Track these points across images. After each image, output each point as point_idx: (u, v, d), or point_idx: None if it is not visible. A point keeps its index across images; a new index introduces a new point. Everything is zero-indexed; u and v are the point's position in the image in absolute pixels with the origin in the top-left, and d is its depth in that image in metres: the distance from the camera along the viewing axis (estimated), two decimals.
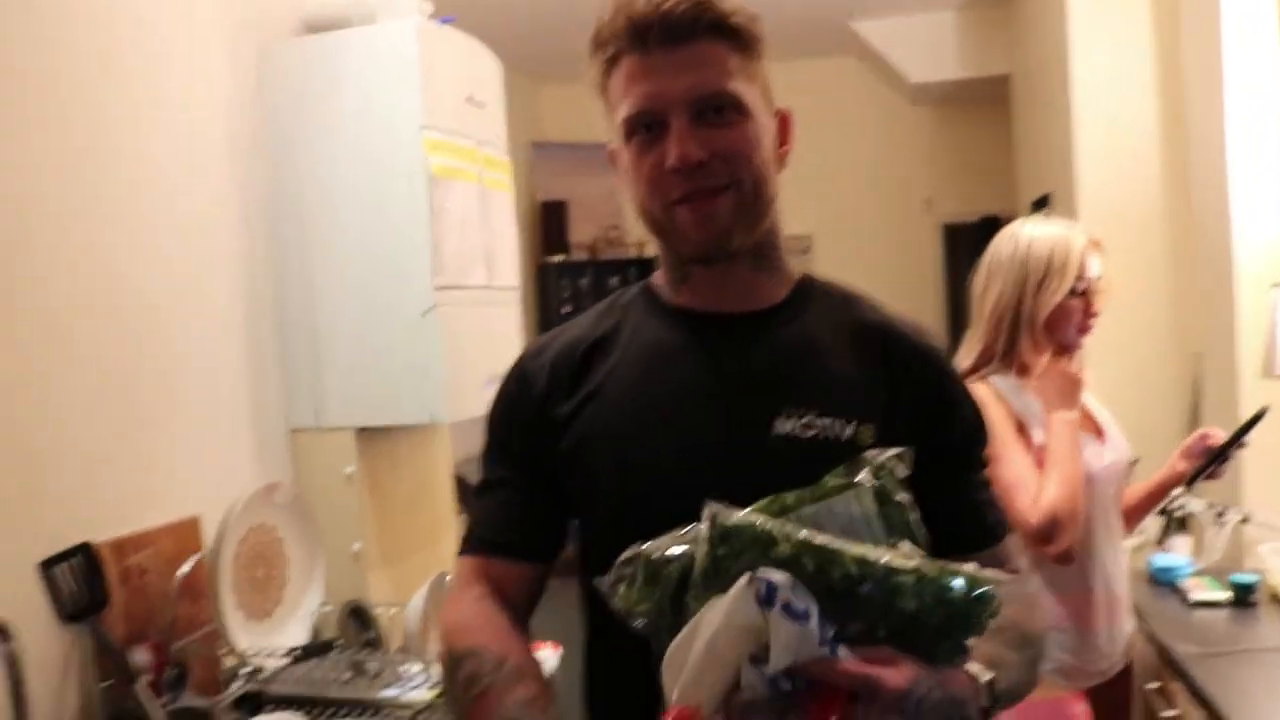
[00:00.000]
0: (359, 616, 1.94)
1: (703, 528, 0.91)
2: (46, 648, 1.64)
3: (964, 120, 6.29)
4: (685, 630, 0.89)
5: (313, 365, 2.26)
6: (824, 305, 1.20)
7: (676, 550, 0.94)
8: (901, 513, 0.98)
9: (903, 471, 1.00)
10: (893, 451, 1.00)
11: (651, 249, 7.27)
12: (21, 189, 1.66)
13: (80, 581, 1.68)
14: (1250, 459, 2.89)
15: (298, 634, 1.93)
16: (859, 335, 1.17)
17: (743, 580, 0.86)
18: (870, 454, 1.01)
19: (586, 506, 1.16)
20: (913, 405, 1.13)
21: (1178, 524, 2.81)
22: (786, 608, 0.85)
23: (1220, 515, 2.67)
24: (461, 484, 2.76)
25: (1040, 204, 4.62)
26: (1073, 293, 2.08)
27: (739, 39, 1.11)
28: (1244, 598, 2.28)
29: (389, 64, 2.18)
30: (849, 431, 1.08)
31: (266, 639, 1.84)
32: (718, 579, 0.89)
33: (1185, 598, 2.33)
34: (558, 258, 6.19)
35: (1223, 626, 2.17)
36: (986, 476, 1.21)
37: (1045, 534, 1.85)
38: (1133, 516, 2.25)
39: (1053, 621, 1.16)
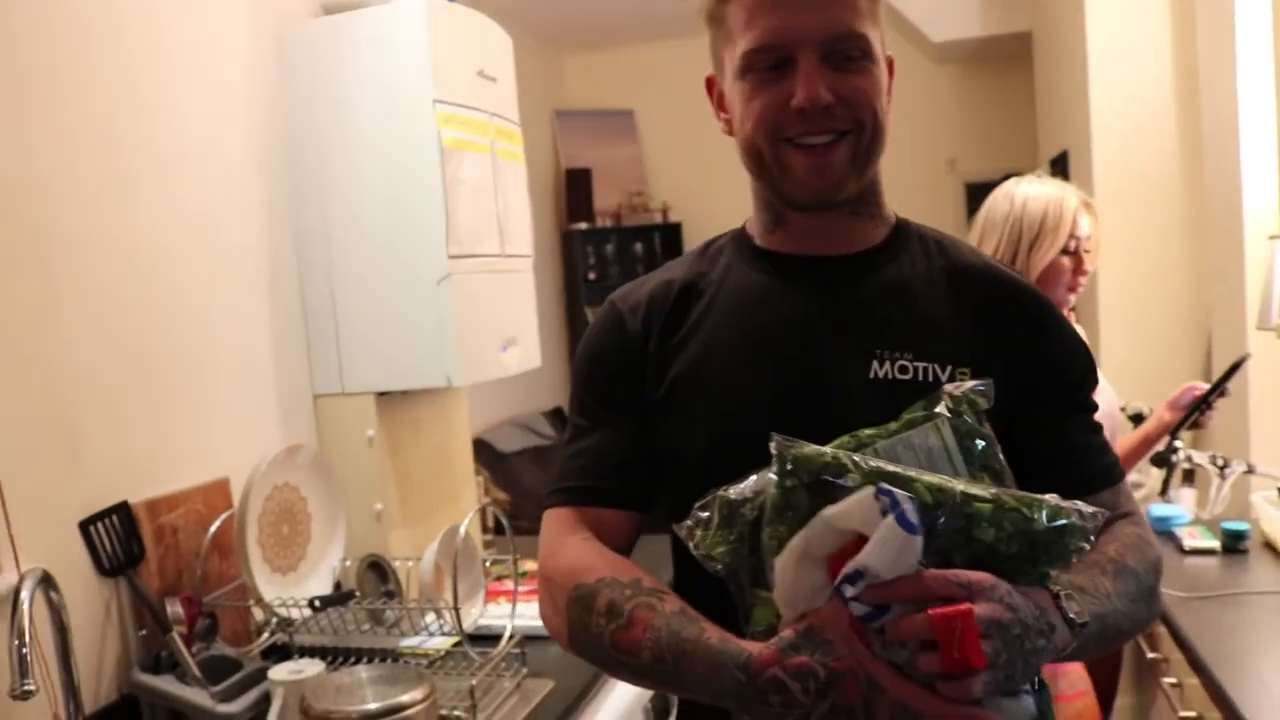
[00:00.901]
0: (377, 569, 2.05)
1: (772, 468, 0.90)
2: (87, 599, 1.75)
3: (987, 79, 6.27)
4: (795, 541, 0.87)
5: (334, 333, 2.36)
6: (920, 249, 1.17)
7: (752, 491, 0.93)
8: (982, 445, 0.96)
9: (984, 404, 0.98)
10: (973, 384, 0.99)
11: (676, 214, 7.35)
12: (57, 171, 1.75)
13: (117, 539, 1.79)
14: (1256, 411, 2.94)
15: (320, 587, 2.04)
16: (956, 279, 1.15)
17: (867, 490, 0.84)
18: (949, 386, 0.99)
19: (680, 447, 1.13)
20: (1010, 349, 1.10)
21: (1185, 476, 2.86)
22: (902, 518, 0.83)
23: (1224, 467, 2.72)
24: (480, 447, 2.86)
25: (1058, 162, 4.63)
26: (1064, 251, 2.13)
27: None
28: (1234, 545, 2.34)
29: (401, 42, 2.25)
30: (945, 374, 1.07)
31: (290, 591, 1.95)
32: (789, 511, 0.88)
33: (1180, 545, 2.39)
34: (582, 225, 6.24)
35: (1213, 573, 2.24)
36: (1095, 420, 1.17)
37: None
38: (1124, 465, 2.31)
39: (1159, 567, 1.09)
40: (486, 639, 1.95)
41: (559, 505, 1.17)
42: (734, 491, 0.94)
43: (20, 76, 1.69)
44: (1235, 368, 2.26)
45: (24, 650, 1.37)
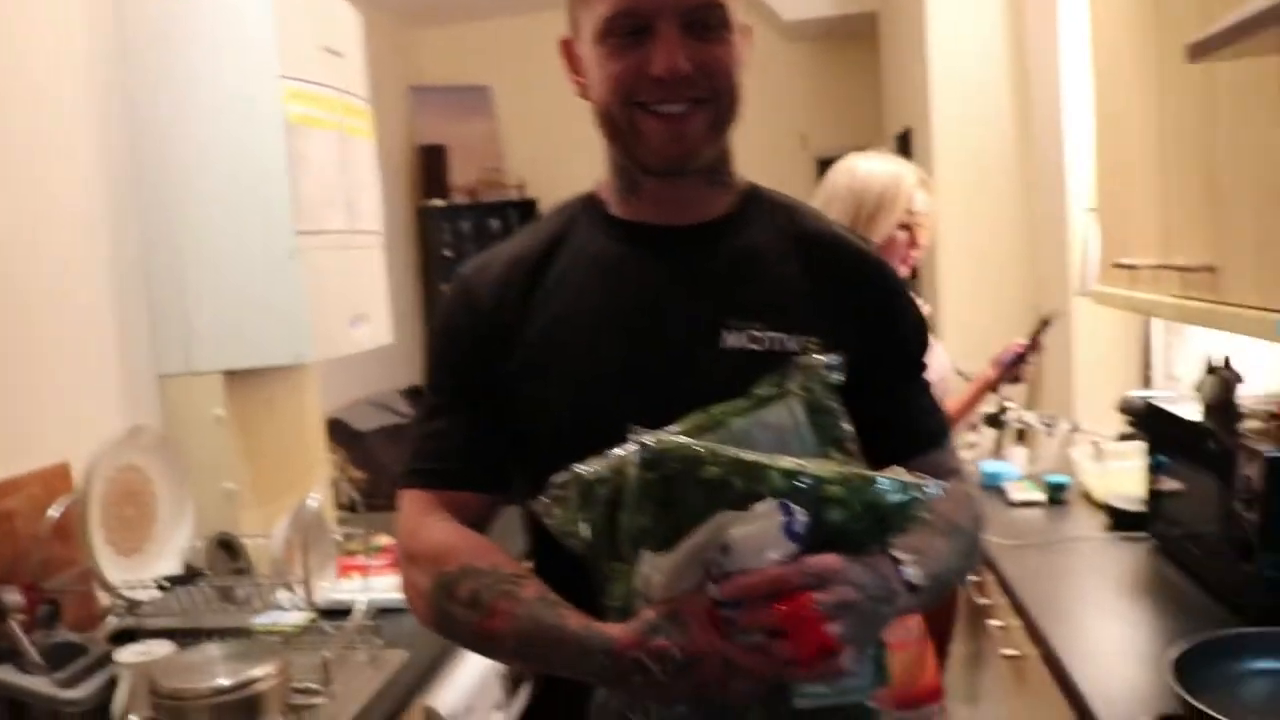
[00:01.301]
0: (227, 547, 2.03)
1: (630, 451, 0.91)
2: None
3: (836, 57, 6.43)
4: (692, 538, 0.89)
5: (180, 311, 2.32)
6: (770, 217, 1.19)
7: (608, 471, 0.94)
8: (833, 420, 0.99)
9: (836, 378, 1.00)
10: (825, 359, 1.01)
11: (533, 190, 7.32)
12: None
13: None
14: (1079, 373, 3.13)
15: (169, 569, 2.01)
16: (805, 246, 1.16)
17: (772, 504, 0.87)
18: (802, 359, 1.01)
19: (535, 420, 1.13)
20: (856, 315, 1.13)
21: (1017, 435, 3.04)
22: (790, 527, 0.87)
23: (1050, 426, 2.90)
24: (336, 426, 2.84)
25: (902, 139, 4.81)
26: (900, 226, 2.23)
27: None
28: (1056, 497, 2.50)
29: (245, 16, 2.22)
30: (794, 344, 1.08)
31: (137, 574, 1.92)
32: (649, 502, 0.90)
33: (1007, 499, 2.54)
34: (438, 201, 6.18)
35: (1037, 522, 2.39)
36: (926, 381, 1.22)
37: None
38: (955, 421, 2.45)
39: (981, 517, 1.17)
40: (340, 614, 1.95)
41: (415, 487, 1.17)
42: (590, 471, 0.95)
43: None
44: (1045, 324, 2.43)
45: None
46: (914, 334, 1.21)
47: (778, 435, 0.96)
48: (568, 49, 1.16)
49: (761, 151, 6.50)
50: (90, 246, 2.18)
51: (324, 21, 2.45)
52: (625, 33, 1.06)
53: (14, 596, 1.78)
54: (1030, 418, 2.89)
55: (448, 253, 6.51)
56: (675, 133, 1.07)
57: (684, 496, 0.89)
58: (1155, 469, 2.14)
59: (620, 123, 1.09)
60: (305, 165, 2.27)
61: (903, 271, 2.29)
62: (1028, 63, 3.67)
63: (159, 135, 2.28)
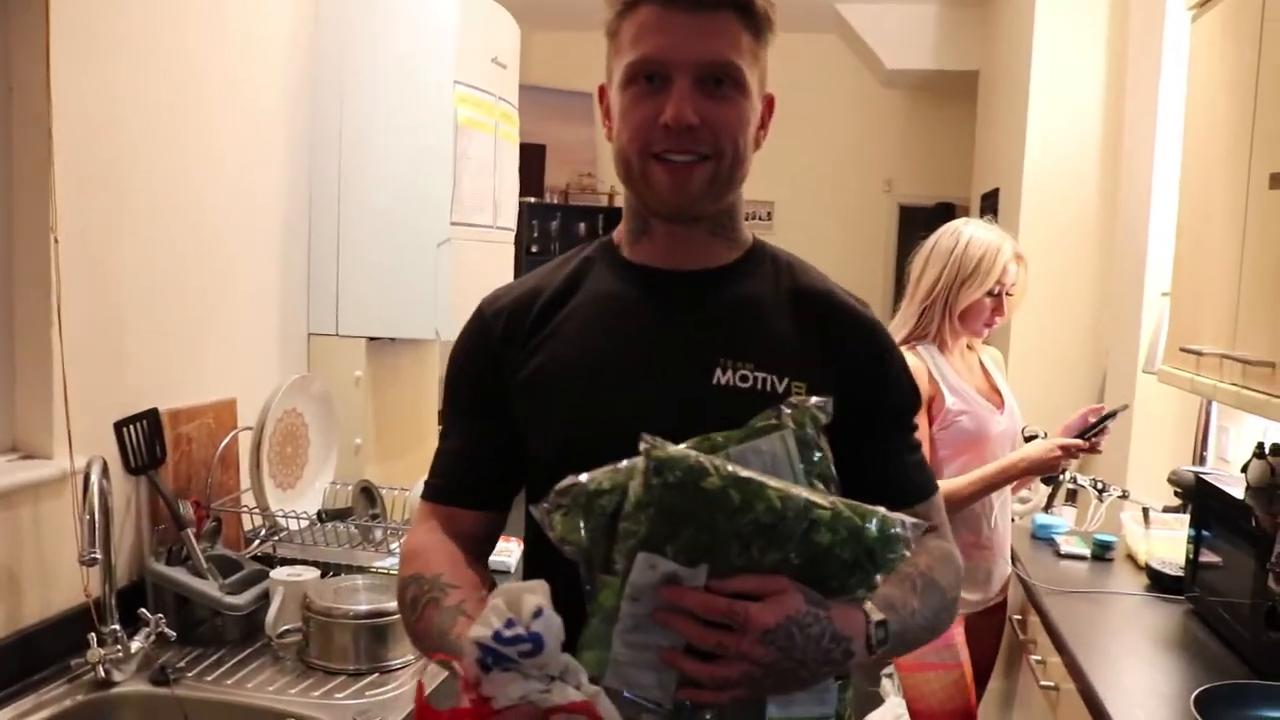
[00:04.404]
0: (368, 493, 2.29)
1: (638, 460, 0.97)
2: (113, 493, 1.96)
3: (931, 109, 6.62)
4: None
5: (334, 280, 2.58)
6: (771, 269, 1.25)
7: (610, 483, 0.99)
8: (819, 457, 1.04)
9: (823, 419, 1.06)
10: (814, 400, 1.06)
11: (621, 199, 7.60)
12: (127, 114, 1.96)
13: (144, 441, 2.00)
14: (1136, 445, 3.33)
15: (310, 505, 2.27)
16: (801, 300, 1.23)
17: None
18: (796, 400, 1.07)
19: (534, 442, 1.20)
20: (847, 371, 1.19)
21: (1069, 495, 3.23)
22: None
23: (1102, 491, 3.09)
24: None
25: (990, 197, 5.00)
26: (989, 293, 2.43)
27: (755, 21, 1.15)
28: (1102, 554, 2.71)
29: (431, 24, 2.49)
30: (781, 386, 1.15)
31: (288, 506, 2.18)
32: (650, 507, 0.95)
33: (1057, 550, 2.75)
34: (530, 198, 6.40)
35: (1082, 575, 2.59)
36: (916, 440, 1.28)
37: None
38: (1015, 486, 2.64)
39: (960, 578, 1.23)
40: None
41: (424, 498, 1.29)
42: (593, 482, 0.99)
43: (108, 42, 1.91)
44: (1113, 414, 2.55)
45: (94, 524, 1.60)
46: (904, 391, 1.27)
47: (770, 462, 1.01)
48: (603, 95, 1.23)
49: (845, 190, 6.79)
50: (268, 217, 2.45)
51: (495, 35, 2.72)
52: (646, 81, 1.13)
53: (188, 511, 2.05)
54: (1084, 480, 3.09)
55: (534, 249, 6.76)
56: (679, 182, 1.14)
57: (685, 504, 0.94)
58: (1197, 539, 2.34)
59: (635, 168, 1.16)
60: (466, 164, 2.53)
61: (983, 334, 2.49)
62: (1123, 141, 3.86)
63: (339, 127, 2.55)
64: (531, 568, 1.25)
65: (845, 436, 1.10)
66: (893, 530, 0.98)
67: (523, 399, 1.21)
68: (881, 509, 0.99)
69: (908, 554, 1.00)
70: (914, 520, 1.00)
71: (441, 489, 1.27)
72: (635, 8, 1.14)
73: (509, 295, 1.27)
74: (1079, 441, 2.47)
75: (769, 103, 1.22)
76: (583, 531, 0.99)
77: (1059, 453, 2.44)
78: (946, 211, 6.17)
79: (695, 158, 1.13)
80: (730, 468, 0.96)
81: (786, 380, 1.15)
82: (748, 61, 1.15)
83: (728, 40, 1.13)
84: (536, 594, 0.89)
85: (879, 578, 1.00)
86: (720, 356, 1.16)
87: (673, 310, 1.20)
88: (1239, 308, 2.11)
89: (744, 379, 1.15)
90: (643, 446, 0.96)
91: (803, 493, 0.96)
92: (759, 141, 1.21)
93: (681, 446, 0.98)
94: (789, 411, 1.04)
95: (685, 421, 1.05)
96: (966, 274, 2.40)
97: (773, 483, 0.96)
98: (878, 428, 1.21)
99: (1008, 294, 2.44)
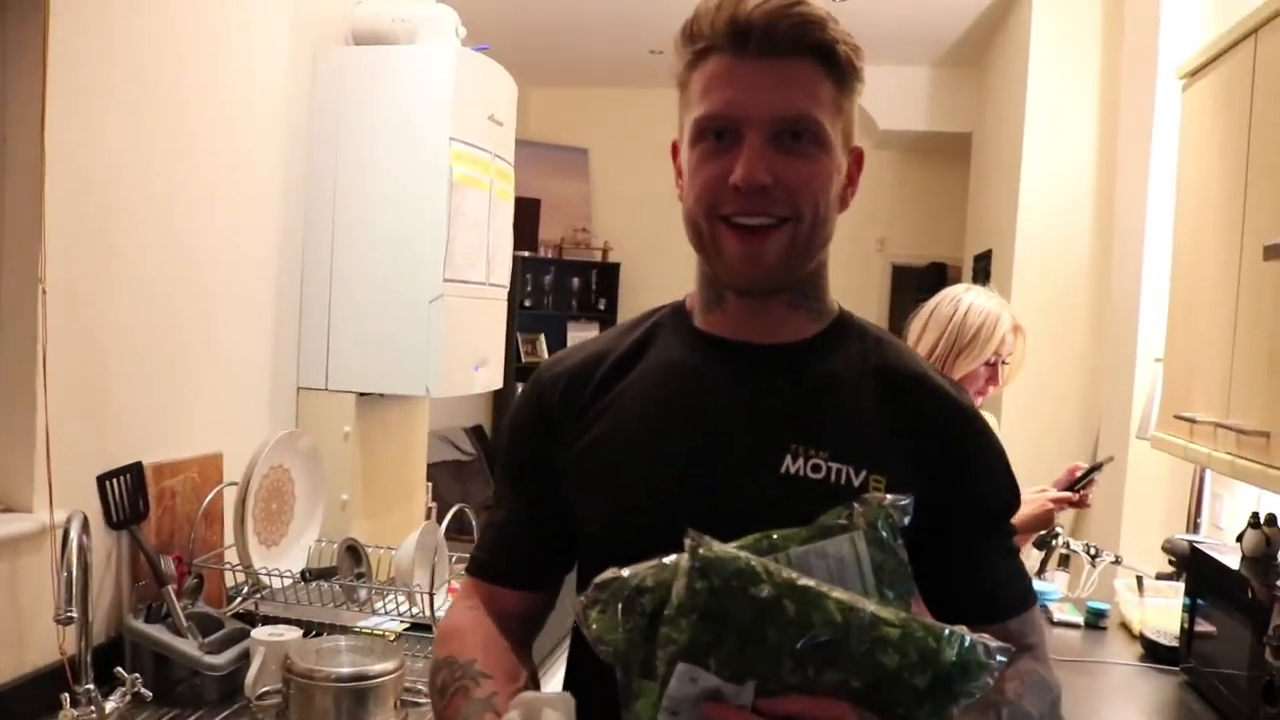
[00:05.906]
0: (353, 552, 2.26)
1: (683, 557, 0.87)
2: (93, 548, 1.92)
3: (924, 170, 6.69)
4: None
5: (325, 335, 2.57)
6: (858, 346, 1.14)
7: (654, 580, 0.89)
8: (896, 563, 0.93)
9: (902, 521, 0.94)
10: (894, 498, 0.95)
11: (616, 255, 7.56)
12: (120, 166, 1.96)
13: (127, 495, 1.97)
14: (1129, 510, 3.31)
15: (296, 562, 2.24)
16: (887, 381, 1.11)
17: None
18: (871, 497, 0.96)
19: (582, 520, 1.12)
20: (935, 461, 1.07)
21: (1061, 560, 3.21)
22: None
23: (1095, 556, 3.07)
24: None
25: (982, 258, 5.03)
26: (986, 363, 2.43)
27: (838, 68, 1.04)
28: (1095, 622, 2.68)
29: (428, 81, 2.49)
30: (858, 479, 1.03)
31: (271, 562, 2.15)
32: (693, 614, 0.85)
33: (1050, 618, 2.72)
34: (524, 252, 6.43)
35: (1076, 644, 2.56)
36: (1014, 544, 1.14)
37: None
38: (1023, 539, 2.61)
39: (1057, 707, 1.07)
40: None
41: (468, 572, 1.22)
42: (635, 577, 0.90)
43: (103, 93, 1.91)
44: (1099, 466, 2.55)
45: (71, 581, 1.57)
46: (999, 488, 1.13)
47: (836, 568, 0.91)
48: (675, 152, 1.14)
49: (837, 249, 6.77)
50: (261, 269, 2.45)
51: (492, 92, 2.72)
52: (715, 138, 1.04)
53: (170, 566, 2.02)
54: (1076, 545, 3.07)
55: (527, 302, 6.79)
56: (751, 251, 1.04)
57: (732, 612, 0.84)
58: (1192, 609, 2.31)
59: (704, 234, 1.07)
60: (461, 220, 2.53)
61: (977, 402, 2.49)
62: (1115, 205, 3.89)
63: (333, 181, 2.55)
64: (576, 654, 1.17)
65: (931, 539, 1.00)
66: (974, 656, 0.86)
67: (574, 473, 1.13)
68: (962, 629, 0.87)
69: (990, 683, 0.87)
70: (1000, 644, 0.87)
71: (485, 564, 1.20)
72: (705, 57, 1.04)
73: (569, 361, 1.19)
74: (1068, 494, 2.47)
75: (858, 157, 1.12)
76: (620, 631, 0.89)
77: (1050, 506, 2.43)
78: (939, 271, 6.22)
79: (770, 221, 1.03)
80: (786, 573, 0.86)
81: (864, 473, 1.04)
82: (829, 114, 1.04)
83: (805, 91, 1.02)
84: (558, 709, 0.83)
85: (956, 709, 0.87)
86: (792, 442, 1.05)
87: (743, 386, 1.10)
88: (1232, 377, 2.11)
89: (816, 469, 1.04)
90: (687, 543, 0.86)
91: (869, 606, 0.85)
92: (846, 200, 1.11)
93: (732, 546, 0.88)
94: (862, 510, 0.94)
95: (745, 513, 0.96)
96: (964, 343, 2.40)
97: (835, 593, 0.85)
98: (967, 527, 1.09)
99: (1004, 363, 2.44)
